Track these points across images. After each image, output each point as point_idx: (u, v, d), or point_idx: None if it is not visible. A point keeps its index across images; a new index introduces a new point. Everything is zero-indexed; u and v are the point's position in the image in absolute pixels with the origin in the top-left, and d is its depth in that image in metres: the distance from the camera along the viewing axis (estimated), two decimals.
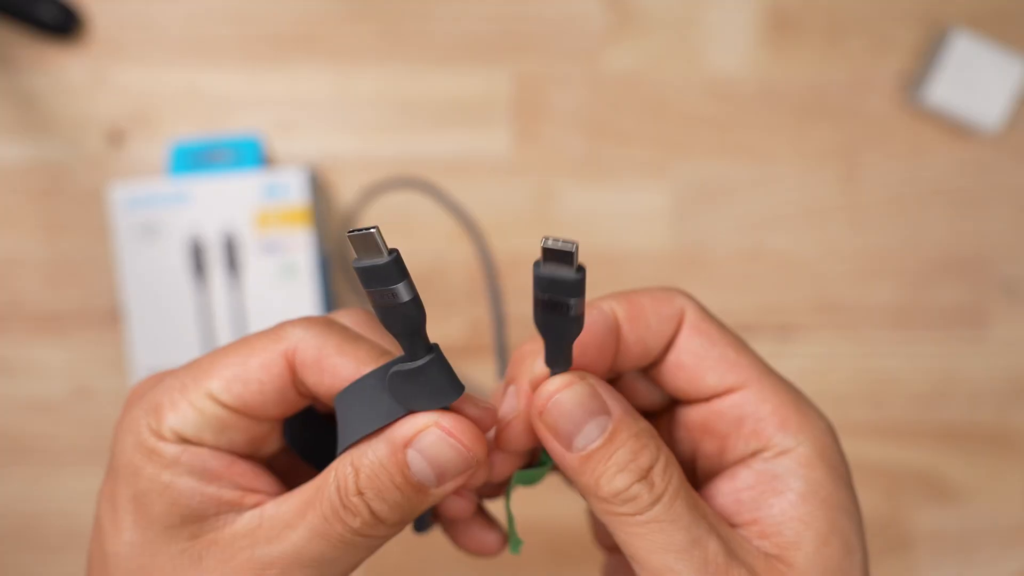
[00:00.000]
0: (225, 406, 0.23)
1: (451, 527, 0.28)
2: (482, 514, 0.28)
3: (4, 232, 0.56)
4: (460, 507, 0.26)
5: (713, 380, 0.24)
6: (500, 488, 0.27)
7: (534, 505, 0.58)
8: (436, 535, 0.59)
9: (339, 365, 0.23)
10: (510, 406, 0.24)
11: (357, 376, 0.22)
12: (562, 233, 0.57)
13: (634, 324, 0.24)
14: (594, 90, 0.57)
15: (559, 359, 0.22)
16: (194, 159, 0.53)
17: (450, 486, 0.22)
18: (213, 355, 0.24)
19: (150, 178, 0.56)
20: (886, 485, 0.58)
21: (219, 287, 0.51)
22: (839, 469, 0.23)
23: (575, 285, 0.20)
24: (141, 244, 0.51)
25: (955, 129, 0.57)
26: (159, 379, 0.24)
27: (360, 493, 0.22)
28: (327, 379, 0.23)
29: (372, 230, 0.19)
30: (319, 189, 0.54)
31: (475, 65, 0.57)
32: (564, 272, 0.20)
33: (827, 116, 0.57)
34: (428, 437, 0.22)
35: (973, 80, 0.55)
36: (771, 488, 0.22)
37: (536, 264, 0.20)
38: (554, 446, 0.22)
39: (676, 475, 0.22)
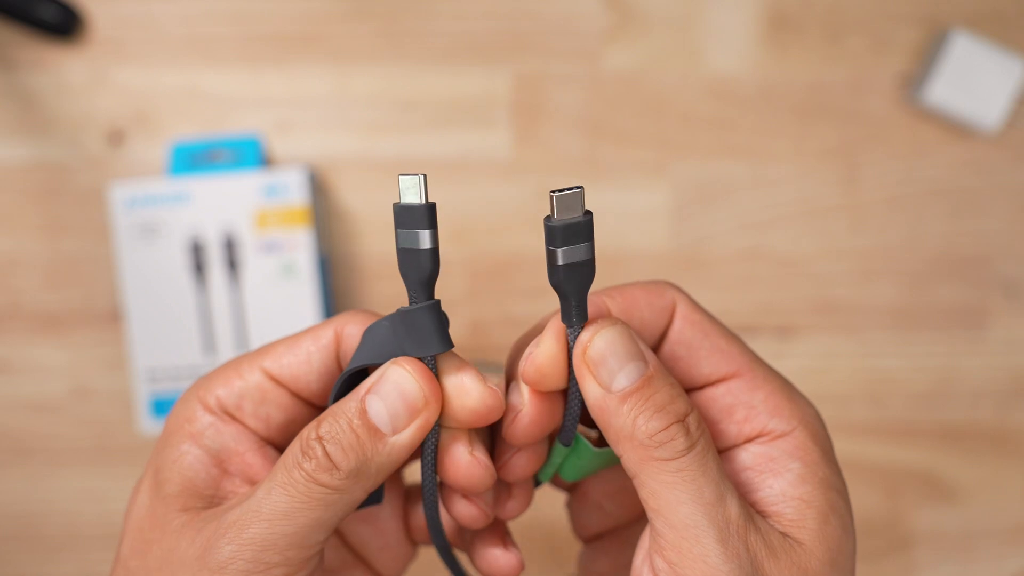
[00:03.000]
0: (270, 376, 0.25)
1: (470, 546, 0.28)
2: (500, 534, 0.28)
3: (4, 232, 0.56)
4: (468, 513, 0.26)
5: (707, 369, 0.24)
6: (521, 503, 0.27)
7: (533, 504, 0.58)
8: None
9: None
10: (516, 399, 0.25)
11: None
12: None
13: (628, 318, 0.24)
14: (594, 90, 0.57)
15: (576, 314, 0.23)
16: (194, 159, 0.53)
17: (405, 435, 0.23)
18: (279, 339, 0.26)
19: (150, 178, 0.56)
20: (886, 485, 0.58)
21: (219, 287, 0.51)
22: (830, 453, 0.24)
23: (586, 226, 0.22)
24: (141, 244, 0.51)
25: (955, 129, 0.57)
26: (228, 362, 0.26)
27: (319, 438, 0.23)
28: None
29: (420, 176, 0.22)
30: (319, 189, 0.54)
31: (475, 65, 0.57)
32: (574, 216, 0.22)
33: (827, 116, 0.57)
34: (386, 377, 0.23)
35: (973, 80, 0.55)
36: (769, 469, 0.23)
37: (548, 218, 0.22)
38: (592, 386, 0.23)
39: (707, 430, 0.22)
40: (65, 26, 0.54)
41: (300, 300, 0.50)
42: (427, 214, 0.22)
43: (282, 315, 0.50)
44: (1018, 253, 0.58)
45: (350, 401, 0.23)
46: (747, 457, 0.24)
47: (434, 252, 0.23)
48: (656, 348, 0.25)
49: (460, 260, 0.57)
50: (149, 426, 0.52)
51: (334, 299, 0.56)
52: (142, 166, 0.56)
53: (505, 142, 0.57)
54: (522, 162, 0.57)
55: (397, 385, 0.23)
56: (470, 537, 0.29)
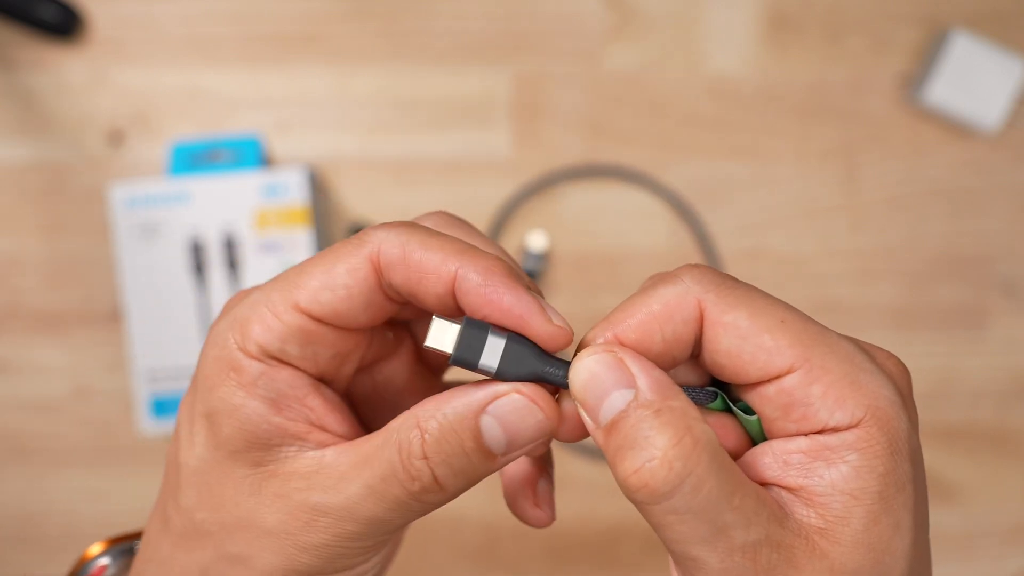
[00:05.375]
0: (312, 317, 0.23)
1: (510, 483, 0.28)
2: (536, 488, 0.28)
3: (4, 232, 0.56)
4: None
5: (754, 373, 0.22)
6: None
7: None
8: (434, 530, 0.59)
9: (424, 259, 0.23)
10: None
11: (442, 266, 0.23)
12: (560, 230, 0.57)
13: (647, 342, 0.22)
14: (594, 90, 0.57)
15: (558, 376, 0.23)
16: (194, 159, 0.53)
17: (516, 455, 0.23)
18: (300, 267, 0.24)
19: (150, 178, 0.56)
20: None
21: (219, 287, 0.51)
22: (900, 442, 0.21)
23: (469, 332, 0.22)
24: (141, 244, 0.51)
25: (955, 129, 0.57)
26: (247, 293, 0.24)
27: (425, 457, 0.22)
28: (413, 274, 0.23)
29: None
30: (318, 189, 0.54)
31: (475, 65, 0.57)
32: (455, 337, 0.22)
33: (827, 116, 0.57)
34: (508, 403, 0.22)
35: (973, 80, 0.55)
36: (823, 457, 0.21)
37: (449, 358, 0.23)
38: (587, 421, 0.22)
39: (704, 459, 0.20)
40: (65, 26, 0.54)
41: None
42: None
43: None
44: (1018, 253, 0.58)
45: (460, 411, 0.22)
46: (803, 441, 0.21)
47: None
48: (699, 355, 0.23)
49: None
50: (149, 426, 0.52)
51: None
52: (142, 166, 0.56)
53: (505, 142, 0.57)
54: (522, 162, 0.57)
55: (522, 412, 0.22)
56: (510, 484, 0.28)
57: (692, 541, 0.20)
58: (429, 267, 0.23)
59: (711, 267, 0.23)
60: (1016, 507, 0.59)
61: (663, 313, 0.22)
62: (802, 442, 0.21)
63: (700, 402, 0.23)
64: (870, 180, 0.58)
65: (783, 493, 0.22)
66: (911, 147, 0.58)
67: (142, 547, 0.25)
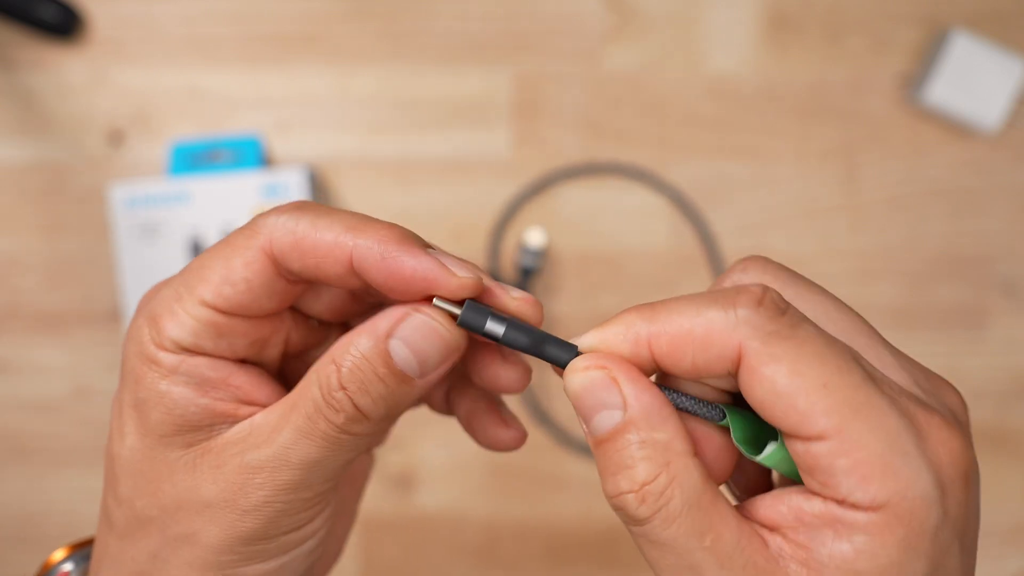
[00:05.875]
0: (219, 311, 0.23)
1: (470, 421, 0.28)
2: (499, 411, 0.28)
3: (4, 232, 0.56)
4: (511, 376, 0.26)
5: (785, 428, 0.21)
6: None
7: (533, 504, 0.58)
8: (434, 530, 0.59)
9: (317, 242, 0.23)
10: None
11: (336, 246, 0.23)
12: (560, 230, 0.57)
13: (674, 360, 0.22)
14: (594, 90, 0.57)
15: (561, 359, 0.23)
16: (194, 159, 0.53)
17: (434, 376, 0.23)
18: (202, 259, 0.24)
19: (150, 178, 0.56)
20: None
21: None
22: (919, 539, 0.20)
23: (469, 316, 0.23)
24: (141, 244, 0.51)
25: (955, 129, 0.57)
26: (159, 288, 0.24)
27: (343, 388, 0.22)
28: (309, 259, 0.23)
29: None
30: (319, 189, 0.54)
31: (475, 65, 0.57)
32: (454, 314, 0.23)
33: (827, 116, 0.57)
34: (409, 324, 0.23)
35: (973, 80, 0.55)
36: (832, 529, 0.20)
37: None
38: (581, 424, 0.22)
39: (677, 497, 0.20)
40: (65, 26, 0.54)
41: None
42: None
43: None
44: (1018, 253, 0.58)
45: (366, 342, 0.22)
46: (819, 504, 0.20)
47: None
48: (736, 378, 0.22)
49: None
50: None
51: None
52: (142, 166, 0.56)
53: (505, 142, 0.57)
54: (522, 162, 0.57)
55: (424, 331, 0.23)
56: (472, 420, 0.28)
57: (664, 570, 0.21)
58: (323, 250, 0.23)
59: (776, 302, 0.21)
60: (1016, 507, 0.59)
61: (702, 340, 0.21)
62: (818, 505, 0.20)
63: (710, 418, 0.23)
64: (870, 180, 0.58)
65: (785, 545, 0.21)
66: (911, 147, 0.58)
67: (94, 549, 0.25)
